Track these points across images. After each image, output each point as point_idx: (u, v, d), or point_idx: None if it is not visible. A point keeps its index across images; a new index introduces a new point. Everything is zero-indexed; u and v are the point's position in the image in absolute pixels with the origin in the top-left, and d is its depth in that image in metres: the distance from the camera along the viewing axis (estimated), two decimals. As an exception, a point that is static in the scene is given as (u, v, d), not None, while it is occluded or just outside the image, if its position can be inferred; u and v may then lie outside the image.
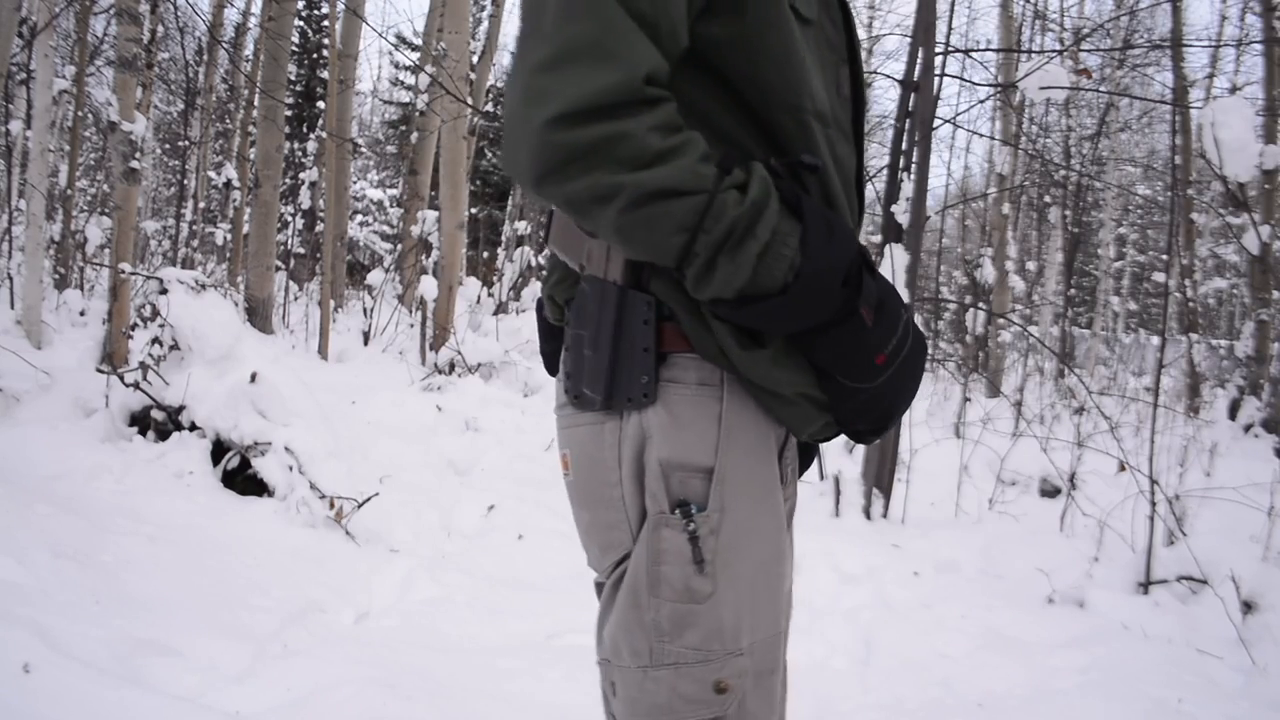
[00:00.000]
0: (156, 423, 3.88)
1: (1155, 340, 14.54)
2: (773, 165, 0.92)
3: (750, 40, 0.92)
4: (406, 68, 19.44)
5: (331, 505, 3.46)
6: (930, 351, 8.50)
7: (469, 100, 7.56)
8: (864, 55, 16.74)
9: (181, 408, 3.82)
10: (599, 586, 1.07)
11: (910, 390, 1.00)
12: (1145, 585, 3.36)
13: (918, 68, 4.32)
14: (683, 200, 0.84)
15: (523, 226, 10.83)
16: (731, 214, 0.86)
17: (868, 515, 4.34)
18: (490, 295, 9.59)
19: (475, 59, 9.96)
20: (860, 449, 4.67)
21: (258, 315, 6.99)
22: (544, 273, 1.12)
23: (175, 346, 4.02)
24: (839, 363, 0.94)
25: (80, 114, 8.67)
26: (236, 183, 10.86)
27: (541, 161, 0.83)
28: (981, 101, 6.13)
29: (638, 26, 0.84)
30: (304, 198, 10.54)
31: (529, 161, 0.84)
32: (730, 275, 0.87)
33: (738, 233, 0.86)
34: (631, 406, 0.94)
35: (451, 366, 6.36)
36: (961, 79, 5.27)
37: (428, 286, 6.89)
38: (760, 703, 0.98)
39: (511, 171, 0.88)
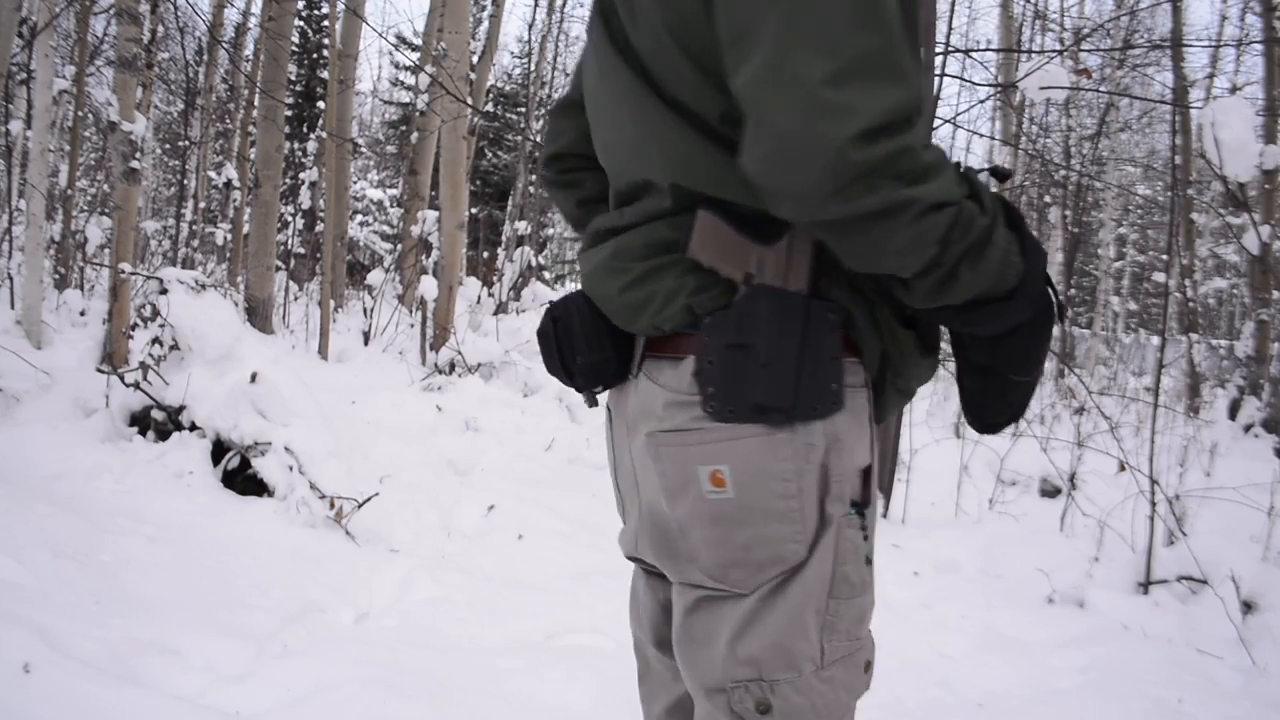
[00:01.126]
0: (156, 423, 3.88)
1: (1155, 340, 14.54)
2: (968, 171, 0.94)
3: None
4: (406, 68, 19.45)
5: (331, 505, 3.46)
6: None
7: (469, 100, 7.56)
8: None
9: (181, 408, 3.82)
10: (702, 602, 1.00)
11: None
12: (1145, 585, 3.36)
13: (918, 68, 4.31)
14: (944, 212, 0.85)
15: (523, 226, 10.82)
16: (979, 224, 0.87)
17: (868, 515, 4.34)
18: (490, 295, 9.58)
19: (475, 59, 9.96)
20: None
21: (258, 315, 6.99)
22: (611, 277, 1.00)
23: (175, 346, 4.02)
24: (1018, 358, 0.99)
25: (80, 114, 8.66)
26: (236, 183, 10.85)
27: (837, 178, 0.79)
28: (981, 101, 6.14)
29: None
30: (304, 198, 10.53)
31: (822, 178, 0.79)
32: (970, 282, 0.89)
33: (980, 242, 0.88)
34: (816, 415, 0.93)
35: (451, 366, 6.35)
36: (961, 79, 5.27)
37: (428, 286, 6.89)
38: None
39: (789, 187, 0.82)
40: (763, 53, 0.81)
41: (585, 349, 1.03)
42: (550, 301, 1.10)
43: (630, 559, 1.14)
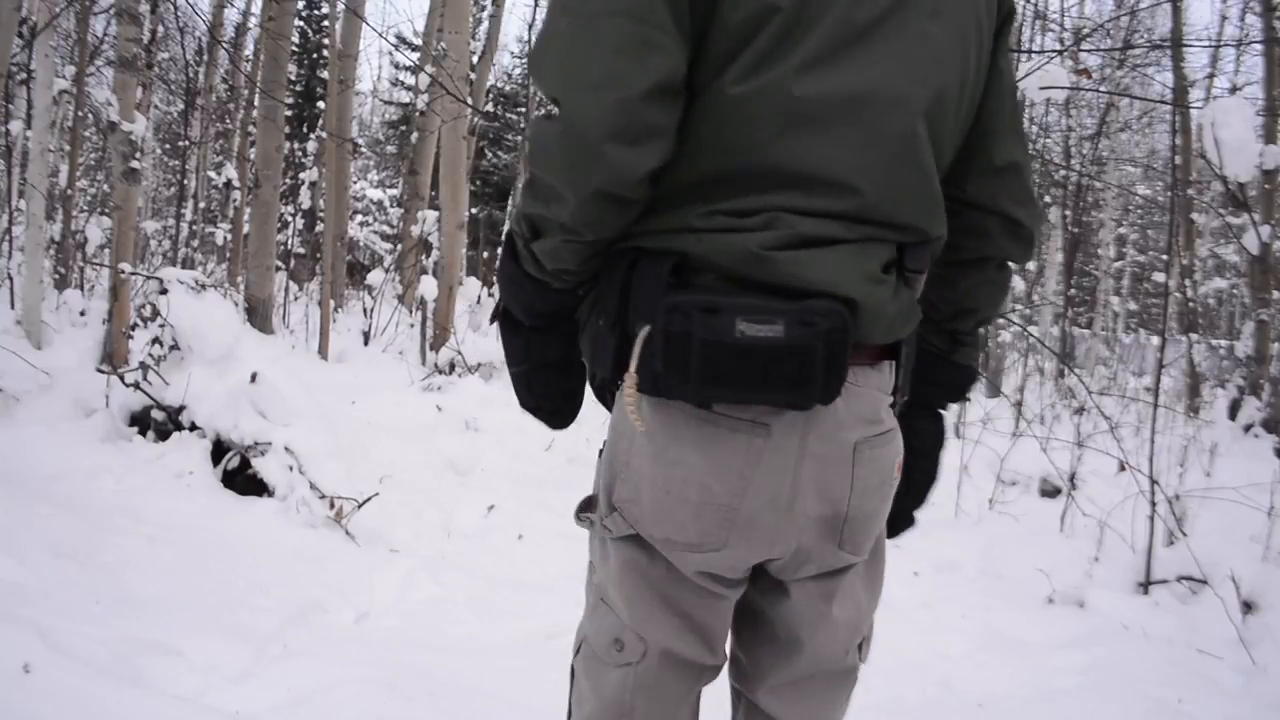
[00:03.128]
0: (156, 423, 3.88)
1: (1155, 340, 14.54)
2: None
3: None
4: (406, 68, 19.45)
5: (331, 505, 3.46)
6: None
7: (469, 100, 7.57)
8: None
9: (182, 408, 3.82)
10: (844, 582, 1.13)
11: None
12: (1145, 585, 3.36)
13: (918, 68, 4.31)
14: None
15: (523, 226, 10.77)
16: None
17: (868, 515, 4.34)
18: (490, 295, 9.58)
19: (475, 59, 9.96)
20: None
21: (258, 315, 6.98)
22: (880, 287, 1.00)
23: (175, 346, 4.02)
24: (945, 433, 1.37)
25: (80, 114, 8.66)
26: (236, 183, 10.85)
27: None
28: (981, 101, 6.11)
29: None
30: (304, 198, 10.54)
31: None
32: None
33: None
34: None
35: (451, 366, 6.36)
36: (961, 79, 5.26)
37: (428, 286, 6.89)
38: None
39: (1039, 235, 1.16)
40: (1025, 143, 1.16)
41: (847, 361, 0.97)
42: (787, 312, 0.93)
43: (728, 578, 1.09)
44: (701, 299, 0.94)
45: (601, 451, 1.15)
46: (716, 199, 0.97)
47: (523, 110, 17.25)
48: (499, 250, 1.15)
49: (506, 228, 1.02)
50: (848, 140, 0.97)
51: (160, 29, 8.56)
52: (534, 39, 1.03)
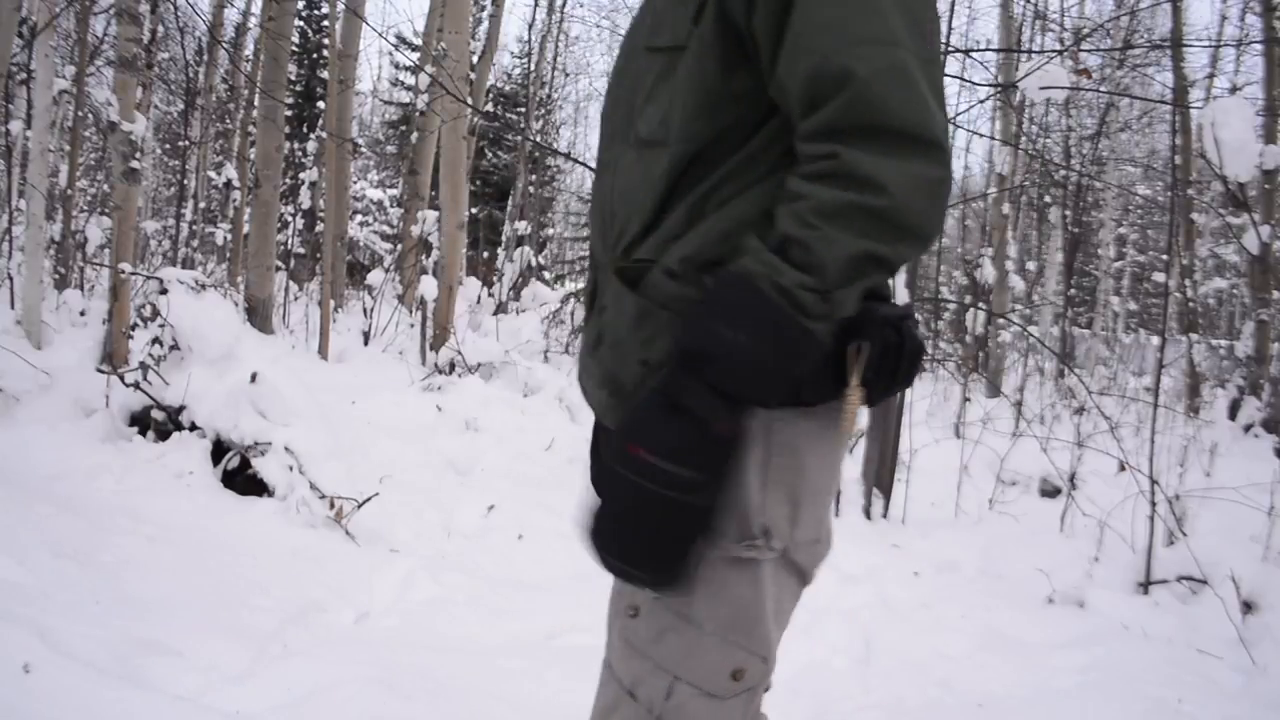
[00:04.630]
0: (156, 423, 3.88)
1: (1155, 340, 14.53)
2: None
3: None
4: (406, 68, 19.45)
5: (331, 505, 3.46)
6: (930, 352, 8.51)
7: (469, 100, 7.57)
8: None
9: (182, 408, 3.82)
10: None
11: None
12: (1145, 585, 3.36)
13: (918, 68, 4.31)
14: None
15: (523, 226, 10.83)
16: None
17: (868, 515, 4.34)
18: (490, 295, 9.60)
19: (475, 59, 9.97)
20: (860, 448, 4.68)
21: (258, 315, 6.98)
22: None
23: (175, 346, 4.02)
24: None
25: (80, 114, 8.66)
26: (236, 183, 10.85)
27: None
28: (981, 101, 6.15)
29: None
30: (304, 198, 10.54)
31: None
32: None
33: None
34: None
35: (452, 366, 6.35)
36: (961, 79, 5.28)
37: (428, 286, 6.89)
38: None
39: None
40: None
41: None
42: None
43: None
44: (898, 310, 1.02)
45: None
46: None
47: (522, 110, 17.23)
48: (499, 250, 0.99)
49: (753, 284, 0.92)
50: None
51: (160, 29, 8.57)
52: (860, 54, 0.91)
